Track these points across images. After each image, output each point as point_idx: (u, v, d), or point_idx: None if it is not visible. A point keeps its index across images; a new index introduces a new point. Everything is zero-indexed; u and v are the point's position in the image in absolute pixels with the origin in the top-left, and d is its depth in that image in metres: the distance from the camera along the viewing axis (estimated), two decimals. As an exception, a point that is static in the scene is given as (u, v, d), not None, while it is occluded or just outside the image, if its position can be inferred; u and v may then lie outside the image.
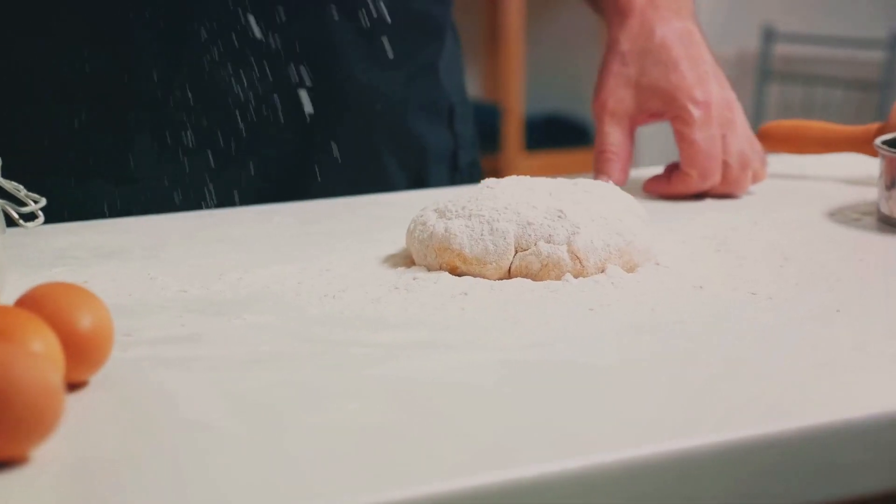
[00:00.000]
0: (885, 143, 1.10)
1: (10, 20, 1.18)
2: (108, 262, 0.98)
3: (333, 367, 0.75)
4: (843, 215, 1.12)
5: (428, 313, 0.85)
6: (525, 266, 0.92)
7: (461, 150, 1.34)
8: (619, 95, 1.21)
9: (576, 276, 0.91)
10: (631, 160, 1.23)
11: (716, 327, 0.82)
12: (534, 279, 0.92)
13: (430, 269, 0.94)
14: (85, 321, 0.69)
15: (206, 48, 1.17)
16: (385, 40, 1.24)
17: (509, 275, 0.92)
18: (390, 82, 1.26)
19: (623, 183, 1.22)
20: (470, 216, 0.94)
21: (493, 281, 0.91)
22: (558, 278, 0.91)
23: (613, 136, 1.21)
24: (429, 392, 0.71)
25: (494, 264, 0.92)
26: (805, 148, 1.30)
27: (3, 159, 1.02)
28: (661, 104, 1.20)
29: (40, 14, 1.17)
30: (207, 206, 1.19)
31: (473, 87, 3.53)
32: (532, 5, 4.19)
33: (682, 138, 1.18)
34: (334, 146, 1.23)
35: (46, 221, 1.08)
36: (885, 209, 1.08)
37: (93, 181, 1.19)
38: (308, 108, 1.21)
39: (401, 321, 0.83)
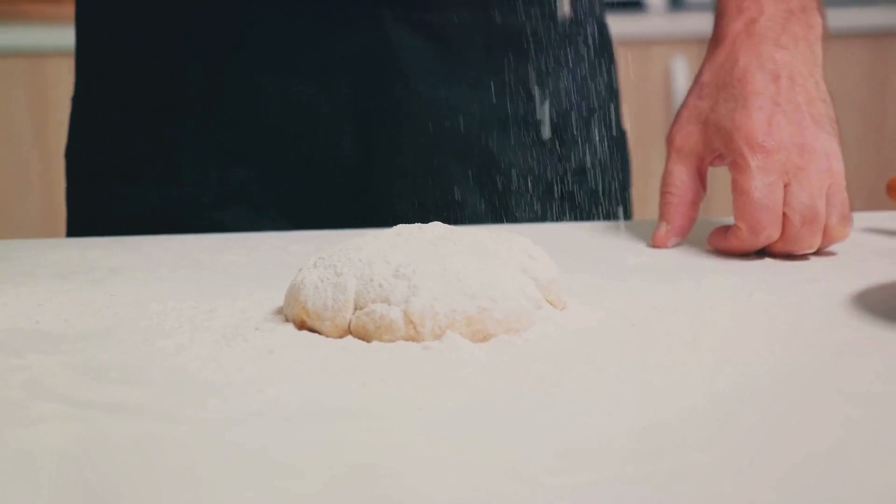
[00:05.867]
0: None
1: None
2: (45, 285, 0.99)
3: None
4: (877, 296, 0.93)
5: (195, 371, 0.79)
6: (361, 326, 0.84)
7: (570, 176, 1.24)
8: (687, 131, 1.08)
9: (408, 341, 0.83)
10: (697, 204, 1.09)
11: (448, 418, 0.72)
12: (369, 341, 0.84)
13: (287, 320, 0.89)
14: None
15: (254, 60, 1.16)
16: (459, 54, 1.17)
17: (350, 333, 0.85)
18: (464, 98, 1.18)
19: (684, 230, 1.09)
20: (327, 266, 0.87)
21: (326, 339, 0.85)
22: (392, 341, 0.84)
23: (676, 175, 1.09)
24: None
25: (331, 321, 0.85)
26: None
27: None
28: (723, 145, 1.06)
29: (99, 23, 1.20)
30: (255, 220, 1.18)
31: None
32: None
33: (734, 186, 1.04)
34: (395, 164, 1.18)
35: (95, 224, 1.13)
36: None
37: (142, 187, 1.20)
38: (362, 123, 1.16)
39: (151, 379, 0.78)
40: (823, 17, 1.12)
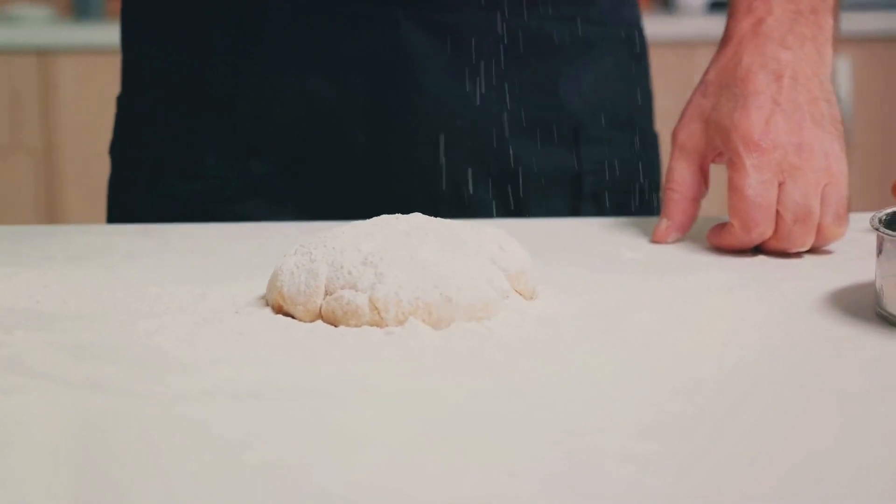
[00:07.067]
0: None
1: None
2: (58, 268, 1.03)
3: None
4: (850, 296, 0.94)
5: (166, 351, 0.83)
6: (331, 311, 0.88)
7: (589, 176, 1.26)
8: (690, 128, 1.10)
9: (373, 327, 0.87)
10: (698, 201, 1.11)
11: (389, 400, 0.76)
12: (337, 325, 0.88)
13: (267, 305, 0.93)
14: None
15: (273, 58, 1.20)
16: (472, 54, 1.20)
17: (322, 318, 0.89)
18: (477, 97, 1.21)
19: (684, 226, 1.10)
20: (304, 253, 0.91)
21: (297, 323, 0.89)
22: (358, 326, 0.87)
23: (678, 172, 1.10)
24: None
25: (303, 306, 0.89)
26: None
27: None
28: (721, 143, 1.07)
29: (137, 28, 1.26)
30: (274, 213, 1.22)
31: None
32: None
33: (730, 184, 1.06)
34: (407, 160, 1.21)
35: (122, 215, 1.18)
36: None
37: (170, 179, 1.25)
38: (367, 124, 1.20)
39: (123, 356, 0.83)
40: (837, 19, 1.12)
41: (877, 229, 0.89)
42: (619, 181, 1.27)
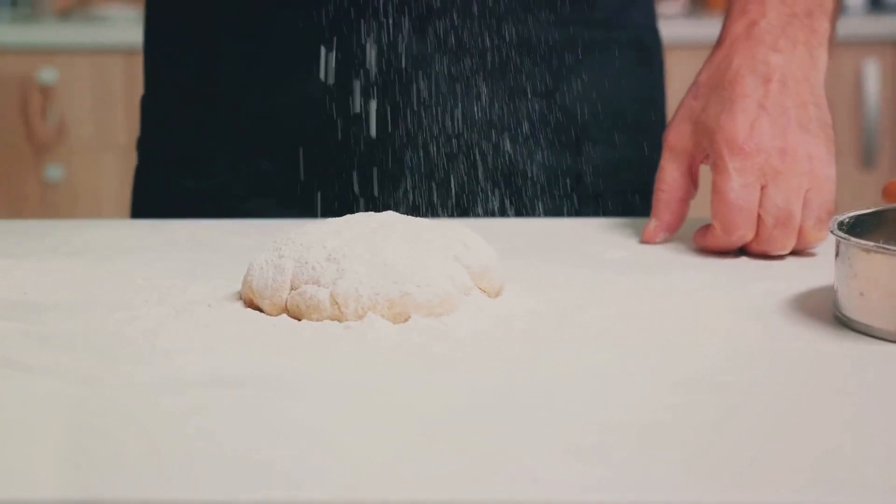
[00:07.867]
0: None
1: None
2: (59, 261, 1.06)
3: None
4: (818, 299, 0.95)
5: (131, 340, 0.86)
6: (295, 305, 0.91)
7: (591, 178, 1.27)
8: (680, 130, 1.11)
9: (334, 321, 0.89)
10: (687, 201, 1.12)
11: (327, 389, 0.78)
12: (300, 319, 0.90)
13: (240, 299, 0.96)
14: None
15: (281, 59, 1.23)
16: (477, 56, 1.21)
17: (287, 312, 0.92)
18: (481, 100, 1.23)
19: (672, 226, 1.12)
20: (275, 249, 0.94)
21: (262, 317, 0.91)
22: (320, 321, 0.90)
23: (668, 172, 1.12)
24: None
25: (269, 300, 0.92)
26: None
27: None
28: (707, 145, 1.08)
29: (157, 29, 1.30)
30: (280, 212, 1.24)
31: None
32: None
33: (713, 186, 1.07)
34: (413, 162, 1.23)
35: (143, 211, 1.23)
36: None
37: (179, 175, 1.29)
38: (371, 127, 1.22)
39: (89, 346, 0.86)
40: (834, 23, 1.13)
41: (832, 231, 0.89)
42: (622, 183, 1.28)
